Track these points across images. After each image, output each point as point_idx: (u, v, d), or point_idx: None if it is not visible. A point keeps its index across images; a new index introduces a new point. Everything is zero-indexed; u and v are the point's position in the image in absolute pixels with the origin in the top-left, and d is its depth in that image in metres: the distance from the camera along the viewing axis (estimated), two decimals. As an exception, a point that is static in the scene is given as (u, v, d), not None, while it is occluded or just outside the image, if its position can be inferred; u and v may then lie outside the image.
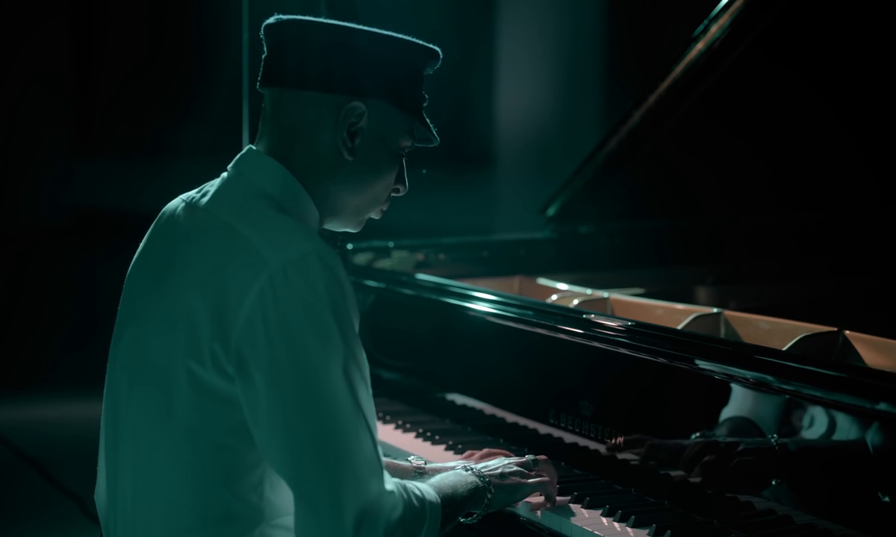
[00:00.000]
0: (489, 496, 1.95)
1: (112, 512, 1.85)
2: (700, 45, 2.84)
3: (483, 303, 2.63)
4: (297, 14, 1.84)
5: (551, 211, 3.39)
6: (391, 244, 3.14)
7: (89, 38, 8.46)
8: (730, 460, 2.01)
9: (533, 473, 2.07)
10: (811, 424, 1.88)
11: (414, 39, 1.84)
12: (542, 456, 2.12)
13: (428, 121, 1.87)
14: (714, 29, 2.80)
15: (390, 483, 1.71)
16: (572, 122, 6.95)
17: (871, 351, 2.27)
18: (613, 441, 2.24)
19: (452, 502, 1.85)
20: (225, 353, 1.67)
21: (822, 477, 1.88)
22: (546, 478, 2.08)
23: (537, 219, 3.43)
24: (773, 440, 1.94)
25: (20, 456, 5.37)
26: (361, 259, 3.12)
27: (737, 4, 2.75)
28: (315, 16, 1.83)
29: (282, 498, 1.78)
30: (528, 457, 2.09)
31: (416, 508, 1.73)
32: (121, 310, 1.88)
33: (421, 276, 2.95)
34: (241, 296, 1.66)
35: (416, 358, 2.88)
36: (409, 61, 1.83)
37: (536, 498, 2.11)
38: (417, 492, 1.76)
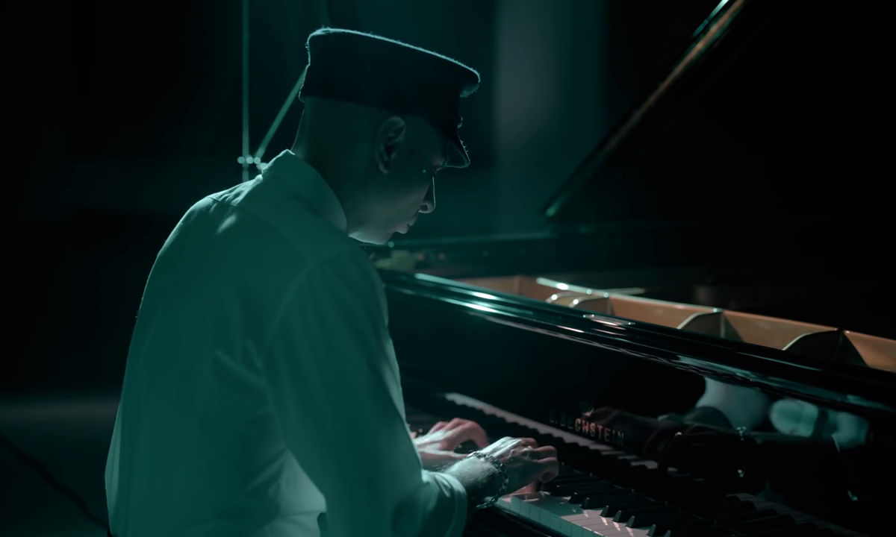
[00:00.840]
0: (505, 482, 1.99)
1: (124, 504, 1.86)
2: (700, 45, 2.84)
3: (483, 303, 2.63)
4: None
5: (551, 211, 3.39)
6: (391, 244, 3.14)
7: (89, 38, 8.47)
8: (724, 455, 2.01)
9: (541, 451, 2.11)
10: (811, 424, 1.88)
11: (455, 61, 1.89)
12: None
13: (462, 142, 1.92)
14: (714, 29, 2.81)
15: (426, 475, 1.75)
16: (572, 122, 6.95)
17: (871, 351, 2.27)
18: (613, 441, 2.24)
19: (475, 491, 1.89)
20: (257, 348, 1.70)
21: (823, 477, 1.88)
22: (554, 458, 2.12)
23: (537, 219, 3.43)
24: (770, 438, 1.94)
25: (20, 456, 5.37)
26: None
27: (737, 4, 2.75)
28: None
29: (298, 494, 1.80)
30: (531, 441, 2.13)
31: (447, 500, 1.77)
32: (145, 305, 1.90)
33: (421, 276, 2.95)
34: (279, 292, 1.69)
35: (416, 358, 2.88)
36: (448, 82, 1.89)
37: (531, 489, 2.15)
38: (446, 484, 1.80)
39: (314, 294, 1.68)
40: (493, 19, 7.15)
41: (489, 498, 1.96)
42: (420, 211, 1.95)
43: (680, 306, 2.68)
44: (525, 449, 2.08)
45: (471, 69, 1.91)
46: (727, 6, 2.77)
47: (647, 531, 1.99)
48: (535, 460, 2.08)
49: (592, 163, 3.21)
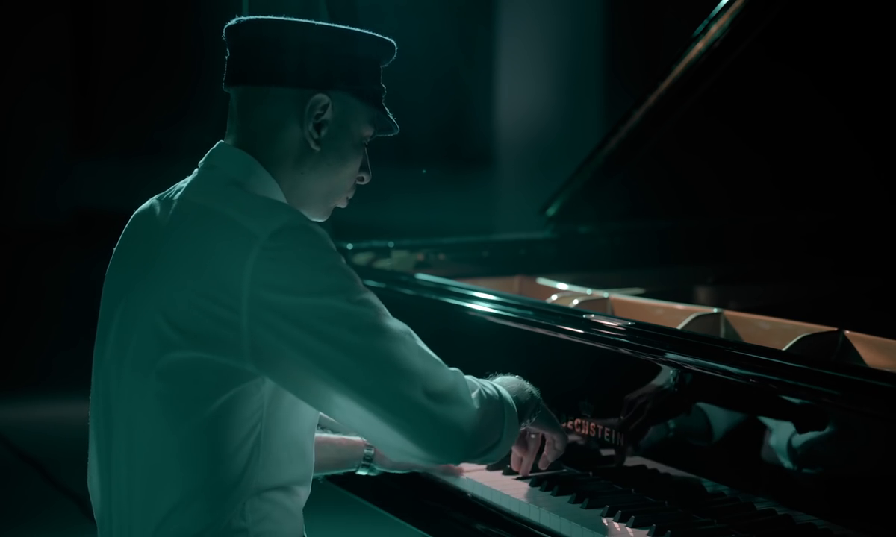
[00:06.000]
0: (537, 413, 2.07)
1: (107, 503, 1.87)
2: (700, 45, 2.84)
3: (483, 303, 2.63)
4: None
5: (551, 211, 3.39)
6: (391, 244, 3.13)
7: (88, 37, 8.46)
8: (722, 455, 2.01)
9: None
10: (811, 424, 1.88)
11: (370, 32, 1.93)
12: None
13: (387, 110, 1.95)
14: (714, 29, 2.80)
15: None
16: (573, 122, 6.95)
17: (871, 351, 2.27)
18: (613, 441, 2.24)
19: (518, 403, 1.97)
20: (232, 334, 1.72)
21: (823, 477, 1.87)
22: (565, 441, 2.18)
23: (537, 219, 3.43)
24: (771, 438, 1.94)
25: (19, 456, 5.37)
26: (361, 259, 3.12)
27: (737, 4, 2.75)
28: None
29: (273, 468, 1.83)
30: None
31: (493, 393, 1.88)
32: (104, 309, 1.92)
33: (421, 276, 2.95)
34: (237, 271, 1.72)
35: (416, 357, 2.87)
36: (366, 53, 1.92)
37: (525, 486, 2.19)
38: (489, 386, 1.90)
39: (273, 265, 1.72)
40: (493, 19, 7.14)
41: (528, 419, 2.03)
42: (357, 182, 1.98)
43: (680, 306, 2.68)
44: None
45: (387, 38, 1.94)
46: (727, 6, 2.77)
47: (647, 531, 1.99)
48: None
49: (592, 163, 3.21)
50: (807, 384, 1.89)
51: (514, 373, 2.08)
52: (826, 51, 2.93)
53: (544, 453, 2.19)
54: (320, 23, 1.88)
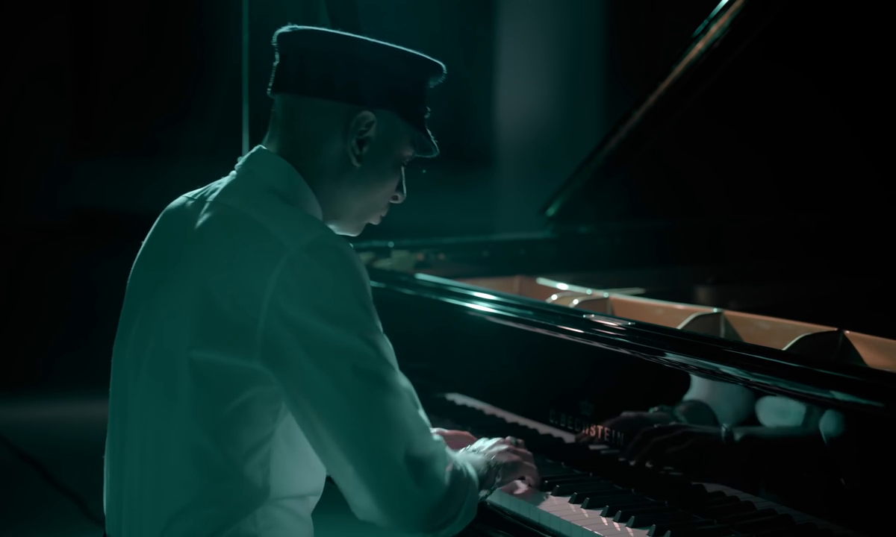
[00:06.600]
0: (498, 478, 2.02)
1: (117, 502, 1.87)
2: (700, 45, 2.84)
3: (483, 303, 2.63)
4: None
5: (551, 211, 3.39)
6: (391, 244, 3.14)
7: (89, 37, 8.46)
8: (720, 454, 2.01)
9: (520, 450, 2.13)
10: (810, 424, 1.88)
11: (420, 53, 1.93)
12: (520, 440, 2.17)
13: (430, 132, 1.95)
14: (714, 29, 2.80)
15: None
16: (572, 122, 6.95)
17: (871, 351, 2.27)
18: (613, 441, 2.24)
19: (479, 478, 1.92)
20: (248, 339, 1.72)
21: (822, 477, 1.88)
22: (531, 456, 2.15)
23: (537, 219, 3.43)
24: (770, 438, 1.94)
25: (20, 456, 5.37)
26: (361, 259, 3.11)
27: (737, 4, 2.75)
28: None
29: (287, 478, 1.82)
30: (510, 439, 2.14)
31: (462, 467, 1.82)
32: (127, 305, 1.92)
33: (421, 276, 2.95)
34: (262, 280, 1.72)
35: (416, 358, 2.87)
36: (414, 74, 1.92)
37: (522, 487, 2.16)
38: (458, 459, 1.84)
39: (297, 279, 1.71)
40: (493, 19, 7.15)
41: (484, 491, 1.98)
42: (391, 201, 1.98)
43: (680, 306, 2.68)
44: (505, 446, 2.09)
45: (437, 61, 1.94)
46: (727, 6, 2.77)
47: (647, 531, 1.99)
48: (517, 457, 2.10)
49: (592, 163, 3.21)
50: (807, 384, 1.89)
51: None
52: (826, 51, 2.94)
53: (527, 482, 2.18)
54: (372, 40, 1.88)
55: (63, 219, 8.39)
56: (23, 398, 6.35)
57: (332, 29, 1.91)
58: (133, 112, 8.20)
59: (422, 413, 1.78)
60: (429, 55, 1.93)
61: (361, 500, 1.74)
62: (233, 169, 1.92)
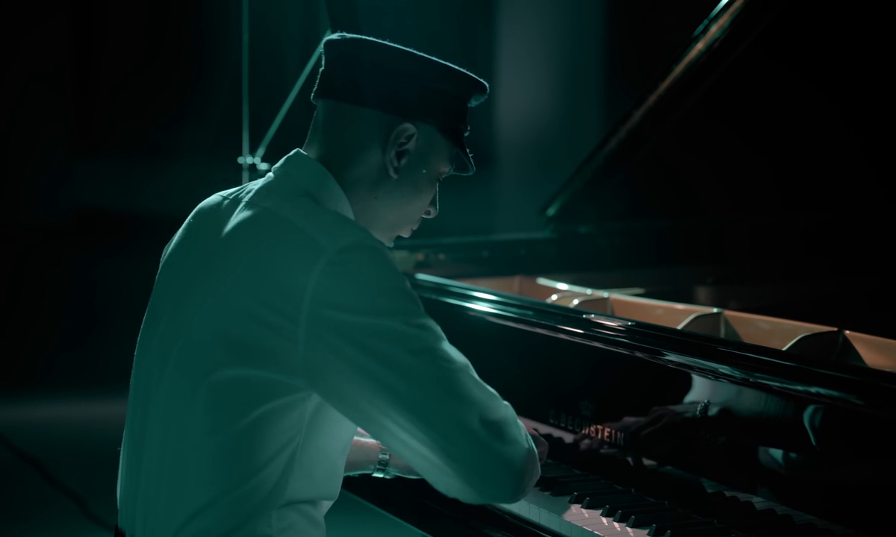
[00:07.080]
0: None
1: (132, 497, 1.86)
2: (700, 45, 2.84)
3: (483, 303, 2.63)
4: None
5: (551, 211, 3.39)
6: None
7: (89, 37, 8.47)
8: (719, 453, 2.01)
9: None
10: (810, 424, 1.88)
11: (466, 71, 1.93)
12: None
13: (468, 150, 1.95)
14: (714, 29, 2.80)
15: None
16: (572, 122, 6.96)
17: (871, 351, 2.27)
18: (613, 441, 2.24)
19: None
20: (289, 345, 1.70)
21: (823, 477, 1.88)
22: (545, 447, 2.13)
23: (537, 219, 3.43)
24: (770, 438, 1.94)
25: (20, 456, 5.37)
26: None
27: (737, 4, 2.75)
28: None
29: (307, 482, 1.81)
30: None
31: (529, 437, 1.80)
32: (155, 300, 1.91)
33: (421, 276, 2.95)
34: (301, 282, 1.70)
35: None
36: (458, 91, 1.93)
37: None
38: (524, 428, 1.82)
39: (338, 280, 1.70)
40: (493, 19, 7.15)
41: None
42: (423, 215, 1.98)
43: (680, 306, 2.68)
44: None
45: (481, 80, 1.95)
46: (727, 6, 2.77)
47: (647, 531, 1.99)
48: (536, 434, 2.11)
49: (592, 163, 3.21)
50: (807, 384, 1.89)
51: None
52: (826, 51, 2.94)
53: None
54: (420, 53, 1.89)
55: (63, 219, 8.38)
56: (23, 398, 6.35)
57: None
58: (133, 112, 8.20)
59: (484, 383, 1.76)
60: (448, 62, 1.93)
61: (449, 479, 1.71)
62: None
